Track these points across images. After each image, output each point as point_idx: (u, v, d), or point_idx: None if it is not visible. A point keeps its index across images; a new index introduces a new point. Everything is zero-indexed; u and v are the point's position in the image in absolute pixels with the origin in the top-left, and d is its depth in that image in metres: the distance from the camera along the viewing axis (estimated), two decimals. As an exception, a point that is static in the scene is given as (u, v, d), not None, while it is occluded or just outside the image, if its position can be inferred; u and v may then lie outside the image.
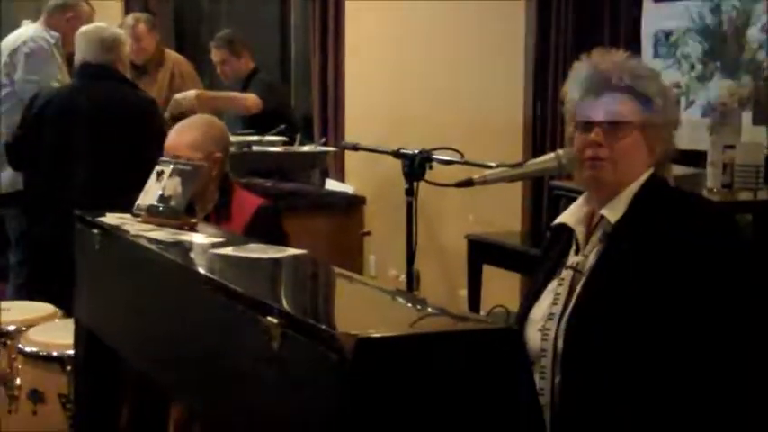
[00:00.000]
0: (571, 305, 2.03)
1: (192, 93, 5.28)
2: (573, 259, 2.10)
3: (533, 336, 2.06)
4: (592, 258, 2.07)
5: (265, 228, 3.09)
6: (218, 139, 3.30)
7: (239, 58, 5.69)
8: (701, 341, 1.91)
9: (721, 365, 1.91)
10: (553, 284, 2.12)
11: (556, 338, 2.01)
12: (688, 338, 1.90)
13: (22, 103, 4.52)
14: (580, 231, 2.13)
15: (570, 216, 2.17)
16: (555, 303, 2.06)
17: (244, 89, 5.61)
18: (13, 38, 4.84)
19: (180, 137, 3.26)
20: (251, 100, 5.40)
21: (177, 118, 4.86)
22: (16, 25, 5.07)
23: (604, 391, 1.92)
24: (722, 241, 1.98)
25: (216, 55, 5.75)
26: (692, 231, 1.98)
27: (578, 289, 2.04)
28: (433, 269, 5.27)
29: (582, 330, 1.98)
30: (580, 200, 2.19)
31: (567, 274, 2.08)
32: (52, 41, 4.79)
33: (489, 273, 4.45)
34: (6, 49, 4.80)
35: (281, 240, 3.10)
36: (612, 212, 2.06)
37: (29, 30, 4.86)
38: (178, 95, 5.25)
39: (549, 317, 2.05)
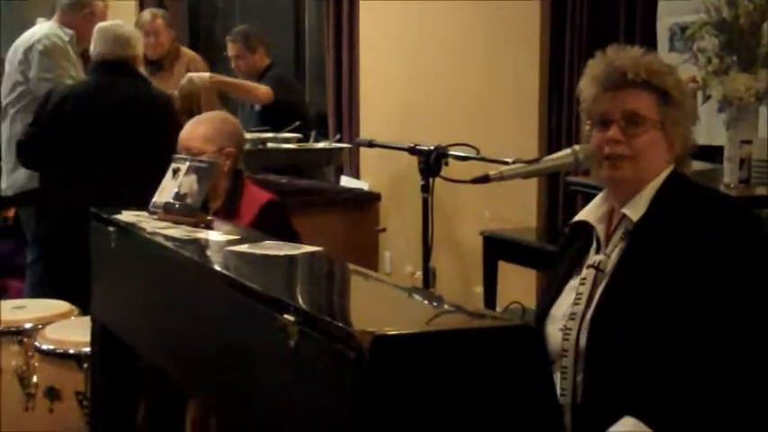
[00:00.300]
0: (593, 304, 2.01)
1: (206, 74, 5.36)
2: (594, 258, 2.08)
3: (554, 335, 2.04)
4: (614, 257, 2.05)
5: (271, 224, 3.09)
6: (231, 134, 3.32)
7: (254, 54, 5.72)
8: (725, 338, 1.89)
9: (746, 362, 1.89)
10: (574, 283, 2.10)
11: (578, 338, 1.99)
12: (712, 335, 1.89)
13: (36, 100, 4.53)
14: (601, 229, 2.11)
15: (590, 213, 2.16)
16: (577, 303, 2.04)
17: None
18: (28, 36, 4.83)
19: (194, 130, 3.29)
20: (262, 90, 5.44)
21: (189, 111, 4.92)
22: (31, 24, 5.09)
23: (628, 390, 1.91)
24: (744, 237, 1.97)
25: (231, 49, 5.77)
26: (713, 228, 1.96)
27: (601, 288, 2.02)
28: (448, 266, 5.27)
29: (605, 330, 1.96)
30: (599, 198, 2.18)
31: (588, 273, 2.06)
32: (66, 38, 4.77)
33: (505, 269, 4.44)
34: (21, 47, 4.79)
35: (289, 237, 3.10)
36: (634, 211, 2.04)
37: (43, 27, 4.85)
38: (192, 74, 5.30)
39: (571, 316, 2.03)
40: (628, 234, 2.06)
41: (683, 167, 2.11)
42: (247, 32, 5.83)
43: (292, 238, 3.07)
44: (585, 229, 2.16)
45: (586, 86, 2.12)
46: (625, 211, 2.06)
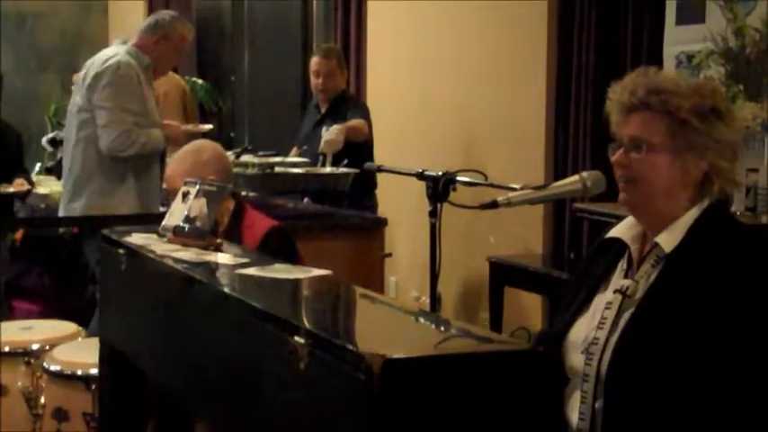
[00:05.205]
0: (618, 331, 1.97)
1: (340, 127, 5.03)
2: (622, 282, 2.04)
3: (575, 355, 2.02)
4: (643, 285, 2.01)
5: (276, 251, 3.09)
6: (205, 162, 3.32)
7: (342, 74, 5.49)
8: (755, 380, 1.87)
9: None
10: (597, 305, 2.06)
11: (599, 364, 1.96)
12: (742, 377, 1.87)
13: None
14: (635, 250, 2.07)
15: (624, 232, 2.11)
16: (601, 327, 2.00)
17: (332, 106, 5.42)
18: (102, 58, 4.33)
19: (173, 168, 3.37)
20: (362, 125, 5.19)
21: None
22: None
23: (647, 421, 1.89)
24: None
25: (322, 64, 5.40)
26: (750, 267, 1.93)
27: (627, 316, 1.98)
28: (454, 291, 5.28)
29: (629, 359, 1.92)
30: (631, 218, 2.13)
31: (615, 298, 2.02)
32: (144, 65, 4.34)
33: (511, 295, 4.45)
34: (93, 69, 4.30)
35: (294, 263, 3.11)
36: (667, 241, 1.99)
37: (119, 52, 4.33)
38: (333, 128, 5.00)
39: (594, 341, 1.99)
40: (659, 263, 2.01)
41: (725, 204, 2.05)
42: (338, 50, 5.63)
43: (297, 263, 3.07)
44: (613, 247, 2.13)
45: (610, 110, 2.10)
46: (658, 240, 2.01)
